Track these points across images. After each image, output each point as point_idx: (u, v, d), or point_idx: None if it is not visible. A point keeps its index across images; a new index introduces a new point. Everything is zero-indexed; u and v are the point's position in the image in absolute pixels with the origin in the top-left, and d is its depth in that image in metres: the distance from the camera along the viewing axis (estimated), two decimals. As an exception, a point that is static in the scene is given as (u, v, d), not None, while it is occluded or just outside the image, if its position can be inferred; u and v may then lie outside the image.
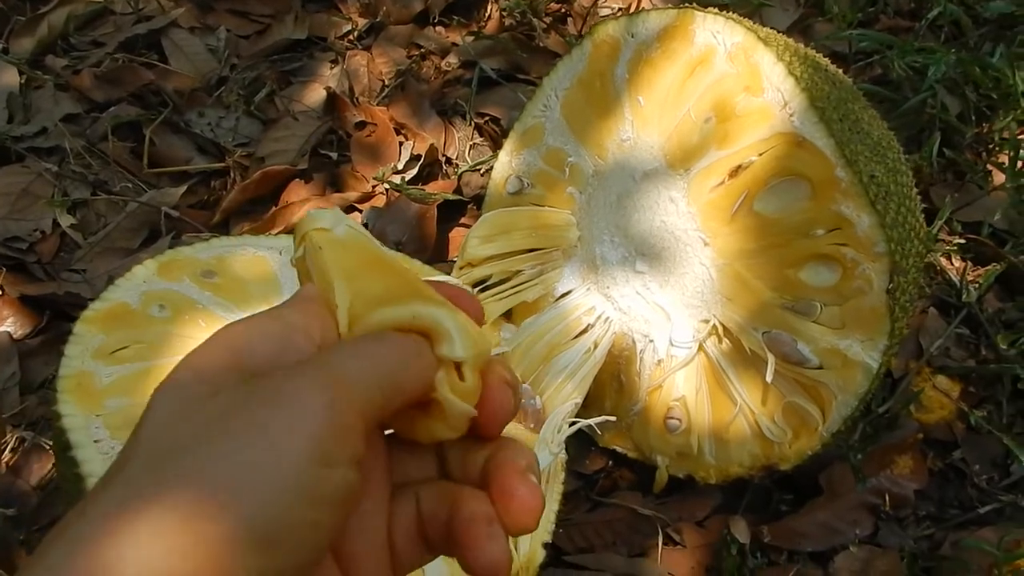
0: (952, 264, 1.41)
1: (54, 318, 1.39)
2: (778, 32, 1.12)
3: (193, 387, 0.41)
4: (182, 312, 1.01)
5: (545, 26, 1.79)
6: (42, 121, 1.66)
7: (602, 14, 1.82)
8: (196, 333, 1.00)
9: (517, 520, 0.45)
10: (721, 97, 1.05)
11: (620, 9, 1.83)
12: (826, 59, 1.12)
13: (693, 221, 1.11)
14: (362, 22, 1.84)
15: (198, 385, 0.41)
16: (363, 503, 0.46)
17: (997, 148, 1.48)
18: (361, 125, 1.64)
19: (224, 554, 0.36)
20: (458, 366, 0.45)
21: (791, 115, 1.00)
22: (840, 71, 1.12)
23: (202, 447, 0.38)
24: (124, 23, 1.83)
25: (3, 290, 1.41)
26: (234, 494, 0.36)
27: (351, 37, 1.83)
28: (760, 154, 1.03)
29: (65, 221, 1.52)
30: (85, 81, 1.71)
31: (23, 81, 1.71)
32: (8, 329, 1.36)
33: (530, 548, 0.98)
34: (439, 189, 1.53)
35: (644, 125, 1.14)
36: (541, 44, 1.75)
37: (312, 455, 0.38)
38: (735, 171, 1.05)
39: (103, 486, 0.38)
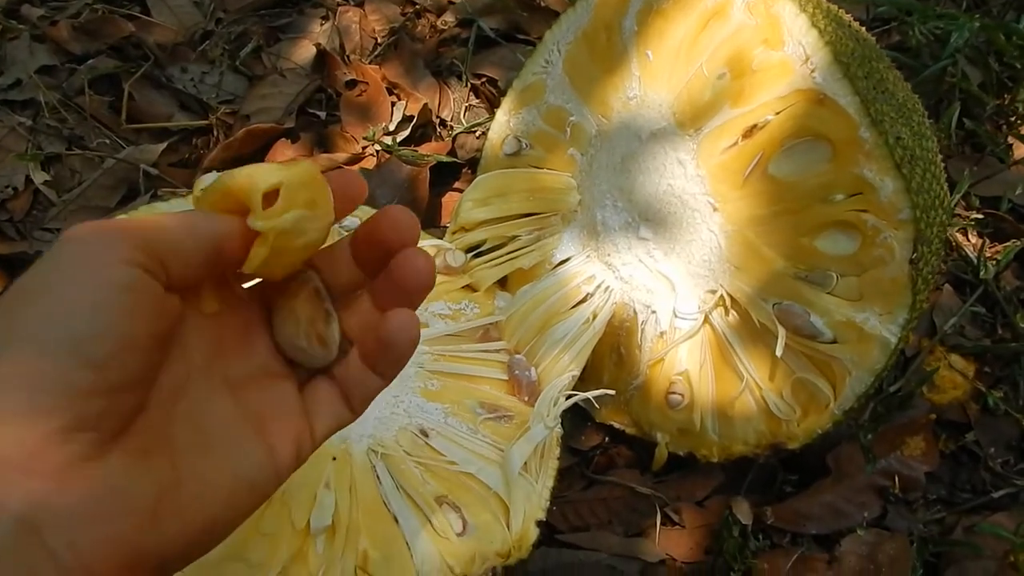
0: (969, 240, 1.35)
1: (24, 278, 1.32)
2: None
3: None
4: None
5: (547, -16, 1.71)
6: (16, 73, 1.57)
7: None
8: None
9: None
10: (737, 51, 0.98)
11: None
12: (849, 15, 1.05)
13: (702, 185, 1.04)
14: (355, -23, 1.76)
15: None
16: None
17: (1019, 120, 1.41)
18: (352, 84, 1.56)
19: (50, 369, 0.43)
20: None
21: (813, 70, 0.93)
22: (863, 29, 1.05)
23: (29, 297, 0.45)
24: (105, -28, 1.74)
25: (-28, 248, 1.34)
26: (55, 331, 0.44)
27: (344, -10, 1.75)
28: (777, 113, 0.96)
29: (39, 178, 1.44)
30: (62, 32, 1.62)
31: (-3, 31, 1.63)
32: (-25, 288, 1.29)
33: (522, 526, 0.92)
34: (432, 151, 1.46)
35: (652, 81, 1.07)
36: (542, 3, 1.68)
37: (123, 279, 0.46)
38: (749, 131, 0.99)
39: None
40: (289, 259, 0.54)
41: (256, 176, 0.51)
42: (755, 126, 0.98)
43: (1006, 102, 1.41)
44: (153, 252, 0.47)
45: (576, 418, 1.18)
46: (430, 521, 0.88)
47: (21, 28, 1.63)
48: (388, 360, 0.57)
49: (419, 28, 1.69)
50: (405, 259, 0.55)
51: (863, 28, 1.06)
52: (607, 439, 1.19)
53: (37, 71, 1.57)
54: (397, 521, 0.88)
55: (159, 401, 0.50)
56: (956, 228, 1.34)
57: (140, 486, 0.45)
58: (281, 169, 0.51)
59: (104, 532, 0.43)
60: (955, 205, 1.32)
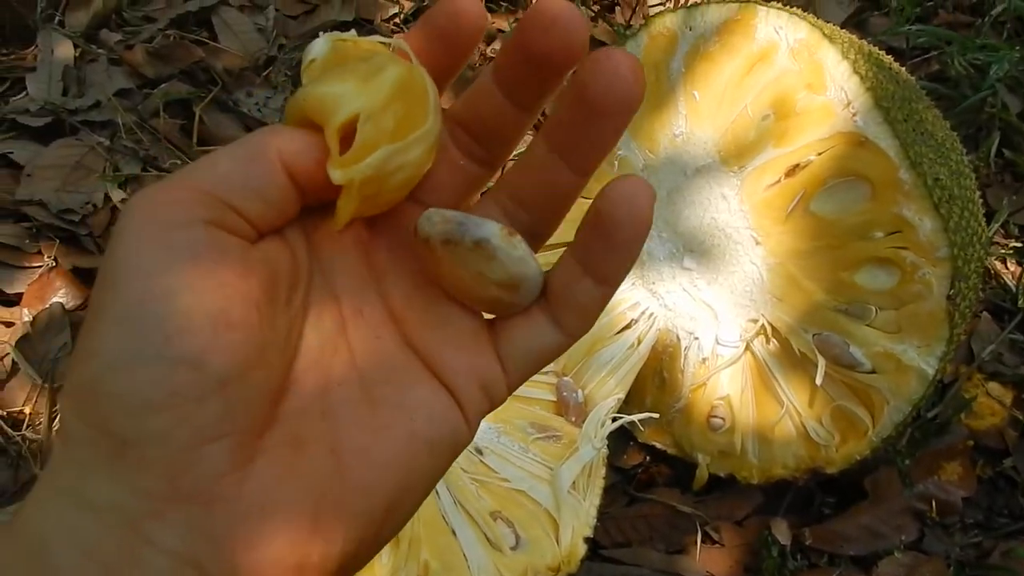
0: (1007, 268, 1.37)
1: (104, 293, 1.41)
2: (835, 26, 1.10)
3: None
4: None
5: (593, 14, 1.77)
6: (95, 95, 1.67)
7: (651, 2, 1.79)
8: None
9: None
10: (781, 94, 1.03)
11: (672, -3, 1.80)
12: (889, 56, 1.09)
13: (745, 219, 1.09)
14: (409, 5, 1.83)
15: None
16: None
17: (1059, 150, 1.44)
18: (408, 109, 1.63)
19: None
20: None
21: (854, 114, 0.98)
22: (903, 69, 1.10)
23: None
24: None
25: (57, 261, 1.43)
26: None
27: (398, 20, 1.82)
28: (819, 153, 1.01)
29: (116, 196, 1.54)
30: (137, 56, 1.72)
31: (77, 54, 1.73)
32: (61, 300, 1.39)
33: (571, 542, 0.98)
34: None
35: (698, 120, 1.12)
36: (589, 33, 1.73)
37: (189, 245, 0.36)
38: (792, 170, 1.03)
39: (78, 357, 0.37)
40: (388, 198, 0.42)
41: (328, 101, 0.39)
42: (797, 165, 1.03)
43: (1046, 133, 1.44)
44: (216, 200, 0.36)
45: (619, 438, 1.23)
46: (486, 535, 0.95)
47: (99, 52, 1.73)
48: (609, 248, 0.40)
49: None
50: (595, 62, 0.38)
51: (903, 69, 1.10)
52: (648, 458, 1.24)
53: (115, 93, 1.67)
54: (455, 534, 0.94)
55: (311, 365, 0.39)
56: (994, 256, 1.36)
57: (296, 493, 0.36)
58: (362, 87, 0.39)
59: (263, 557, 0.35)
60: (993, 234, 1.35)
